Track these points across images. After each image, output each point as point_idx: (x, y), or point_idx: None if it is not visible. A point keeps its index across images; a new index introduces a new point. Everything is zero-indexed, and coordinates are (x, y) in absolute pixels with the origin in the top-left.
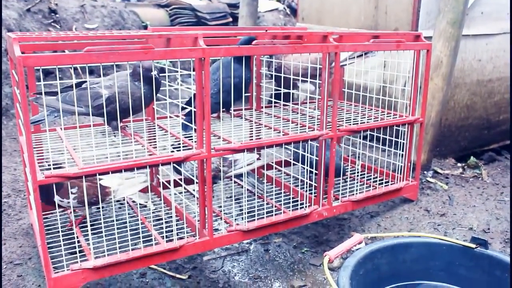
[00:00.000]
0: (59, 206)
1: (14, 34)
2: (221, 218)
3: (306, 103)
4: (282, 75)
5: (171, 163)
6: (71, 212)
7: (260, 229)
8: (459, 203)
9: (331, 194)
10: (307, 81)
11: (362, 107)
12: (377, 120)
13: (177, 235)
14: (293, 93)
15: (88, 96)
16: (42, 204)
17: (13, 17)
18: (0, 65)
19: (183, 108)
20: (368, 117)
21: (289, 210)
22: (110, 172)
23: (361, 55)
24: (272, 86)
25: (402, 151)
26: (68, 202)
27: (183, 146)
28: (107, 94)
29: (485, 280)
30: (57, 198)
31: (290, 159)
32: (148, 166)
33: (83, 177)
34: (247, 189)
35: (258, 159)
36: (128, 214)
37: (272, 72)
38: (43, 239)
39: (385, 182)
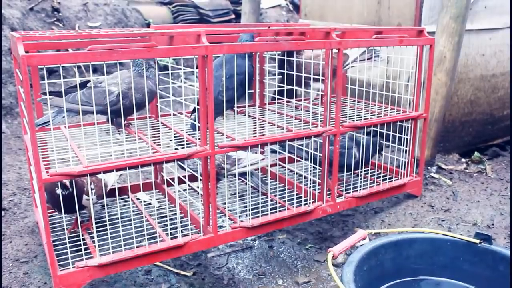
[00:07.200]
0: (83, 207)
1: (18, 33)
2: (225, 215)
3: (317, 103)
4: (295, 73)
5: (175, 160)
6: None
7: (264, 226)
8: (463, 199)
9: (335, 190)
10: (319, 80)
11: (365, 103)
12: (381, 116)
13: (182, 232)
14: (296, 90)
15: (98, 95)
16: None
17: (16, 16)
18: (1, 64)
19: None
20: (371, 113)
21: (293, 207)
22: (114, 170)
23: (371, 57)
24: (275, 83)
25: (406, 146)
26: (93, 199)
27: (186, 143)
28: (117, 91)
29: (489, 275)
30: (84, 197)
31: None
32: (152, 164)
33: (88, 174)
34: (251, 186)
35: (262, 159)
36: (133, 211)
37: (283, 70)
38: (48, 237)
39: (389, 178)
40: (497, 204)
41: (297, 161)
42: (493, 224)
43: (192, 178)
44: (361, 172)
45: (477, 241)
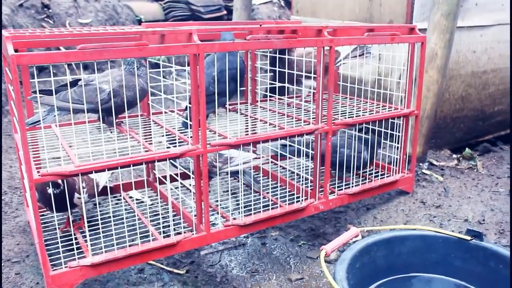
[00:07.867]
0: (75, 206)
1: (7, 32)
2: (217, 213)
3: (309, 100)
4: (287, 70)
5: (167, 159)
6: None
7: (257, 223)
8: (454, 195)
9: (327, 187)
10: (310, 77)
11: (357, 100)
12: (372, 113)
13: (174, 230)
14: (288, 88)
15: (89, 93)
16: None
17: (6, 13)
18: (1, 64)
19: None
20: (363, 110)
21: (286, 204)
22: (106, 169)
23: (362, 54)
24: (267, 80)
25: (398, 143)
26: (84, 197)
27: (178, 141)
28: (108, 89)
29: (480, 272)
30: (76, 196)
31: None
32: (144, 163)
33: (80, 174)
34: (244, 184)
35: (255, 158)
36: (125, 210)
37: (275, 68)
38: (40, 237)
39: (381, 175)
40: (488, 200)
41: (289, 158)
42: (484, 220)
43: (184, 176)
44: (353, 169)
45: (468, 237)
